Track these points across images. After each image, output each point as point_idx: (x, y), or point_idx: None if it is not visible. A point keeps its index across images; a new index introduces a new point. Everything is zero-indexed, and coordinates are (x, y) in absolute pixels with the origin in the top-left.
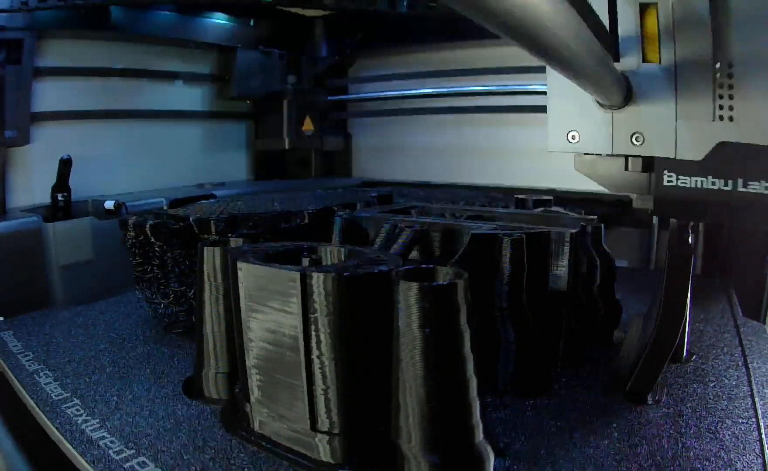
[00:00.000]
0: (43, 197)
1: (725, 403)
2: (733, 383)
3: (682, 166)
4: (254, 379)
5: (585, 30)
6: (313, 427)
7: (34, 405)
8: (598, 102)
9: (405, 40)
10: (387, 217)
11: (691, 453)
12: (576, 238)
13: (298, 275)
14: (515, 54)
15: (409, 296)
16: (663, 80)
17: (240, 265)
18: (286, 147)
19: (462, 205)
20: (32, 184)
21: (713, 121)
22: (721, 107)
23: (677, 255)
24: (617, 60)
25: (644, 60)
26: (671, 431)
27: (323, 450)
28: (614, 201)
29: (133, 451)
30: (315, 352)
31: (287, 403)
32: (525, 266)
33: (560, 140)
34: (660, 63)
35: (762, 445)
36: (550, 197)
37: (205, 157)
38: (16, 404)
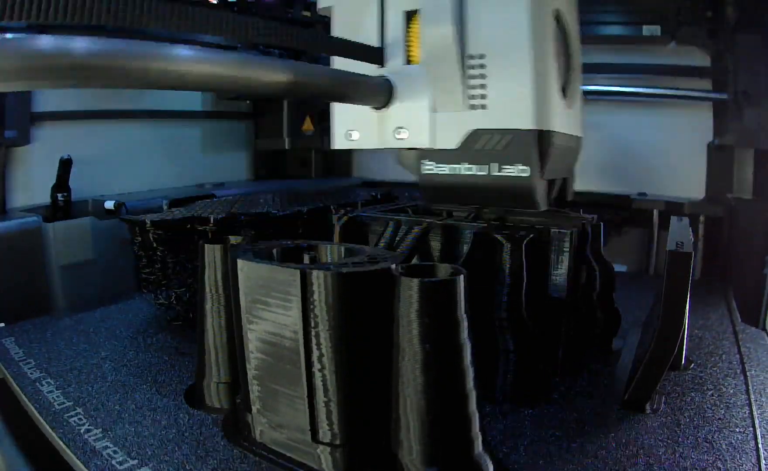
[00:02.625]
0: (43, 197)
1: (722, 412)
2: (731, 392)
3: (439, 155)
4: (255, 388)
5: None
6: (315, 438)
7: (37, 414)
8: None
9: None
10: (388, 216)
11: (688, 463)
12: (576, 236)
13: (298, 273)
14: None
15: (410, 292)
16: (421, 78)
17: (240, 263)
18: (286, 147)
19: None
20: (32, 184)
21: (466, 110)
22: (473, 97)
23: (677, 253)
24: (383, 65)
25: (408, 62)
26: (668, 441)
27: (325, 461)
28: (614, 201)
29: (136, 461)
30: (315, 352)
31: (288, 411)
32: (528, 263)
33: (342, 138)
34: (419, 62)
35: (758, 454)
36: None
37: (205, 157)
38: (19, 412)
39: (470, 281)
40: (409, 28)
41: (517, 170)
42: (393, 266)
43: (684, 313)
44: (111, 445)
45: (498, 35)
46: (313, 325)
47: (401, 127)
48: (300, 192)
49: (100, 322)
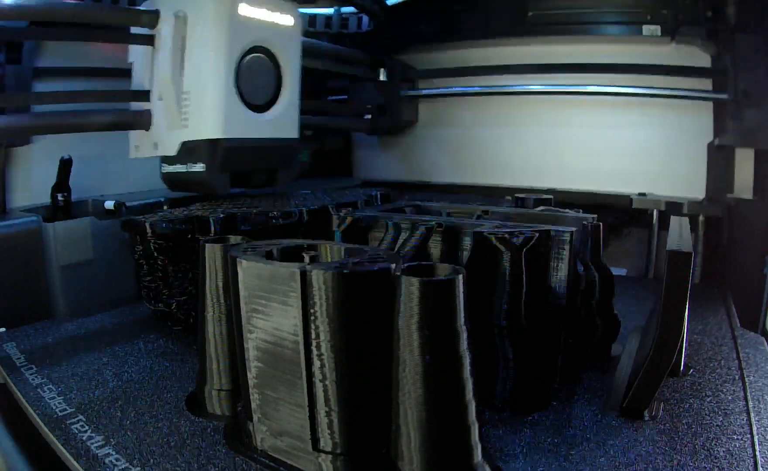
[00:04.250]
0: (43, 197)
1: (721, 418)
2: (729, 398)
3: (169, 159)
4: (255, 395)
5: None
6: (316, 446)
7: (39, 421)
8: None
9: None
10: (389, 216)
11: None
12: (576, 236)
13: (298, 272)
14: (513, 54)
15: (410, 291)
16: (160, 108)
17: (240, 262)
18: None
19: (460, 204)
20: (32, 184)
21: (180, 128)
22: (183, 119)
23: (677, 254)
24: (149, 101)
25: (160, 98)
26: (666, 448)
27: (326, 470)
28: (614, 202)
29: (138, 468)
30: (315, 355)
31: (289, 419)
32: (527, 268)
33: (133, 150)
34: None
35: (756, 462)
36: (550, 196)
37: None
38: (21, 418)
39: (470, 288)
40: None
41: (198, 167)
42: (393, 266)
43: (683, 318)
44: (113, 453)
45: (199, 78)
46: (313, 325)
47: (156, 143)
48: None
49: (101, 326)
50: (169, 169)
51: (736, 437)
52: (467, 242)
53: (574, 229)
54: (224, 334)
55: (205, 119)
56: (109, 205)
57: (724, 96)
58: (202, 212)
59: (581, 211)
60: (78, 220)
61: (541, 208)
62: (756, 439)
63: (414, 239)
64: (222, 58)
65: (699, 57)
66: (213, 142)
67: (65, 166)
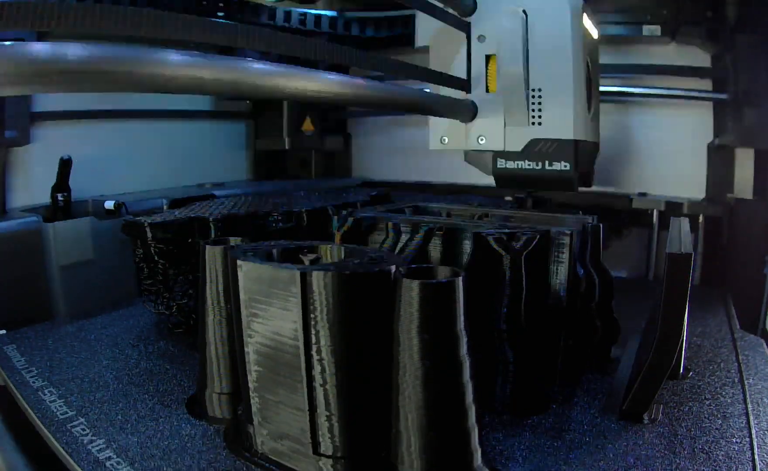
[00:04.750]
0: (43, 197)
1: (720, 422)
2: (728, 401)
3: (508, 155)
4: (256, 398)
5: (438, 97)
6: (316, 450)
7: (41, 424)
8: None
9: (403, 40)
10: (391, 216)
11: None
12: (576, 237)
13: (298, 274)
14: None
15: (410, 293)
16: (497, 102)
17: (240, 264)
18: (286, 147)
19: (460, 205)
20: (32, 184)
21: (527, 125)
22: (532, 116)
23: (677, 256)
24: (469, 92)
25: (486, 91)
26: (666, 451)
27: None
28: (614, 201)
29: None
30: (315, 357)
31: (289, 422)
32: (527, 271)
33: (436, 142)
34: (495, 91)
35: (754, 465)
36: (550, 197)
37: (205, 157)
38: (22, 421)
39: (470, 291)
40: (488, 67)
41: (560, 166)
42: (393, 268)
43: (683, 321)
44: (114, 456)
45: (550, 76)
46: (313, 327)
47: (482, 136)
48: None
49: (101, 329)
50: (507, 164)
51: (735, 440)
52: (467, 245)
53: (574, 229)
54: (225, 338)
55: (564, 119)
56: (109, 205)
57: (724, 96)
58: (202, 213)
59: (581, 212)
60: (78, 220)
61: (542, 208)
62: (755, 443)
63: (414, 242)
64: (580, 60)
65: (699, 57)
66: (574, 143)
67: (65, 166)
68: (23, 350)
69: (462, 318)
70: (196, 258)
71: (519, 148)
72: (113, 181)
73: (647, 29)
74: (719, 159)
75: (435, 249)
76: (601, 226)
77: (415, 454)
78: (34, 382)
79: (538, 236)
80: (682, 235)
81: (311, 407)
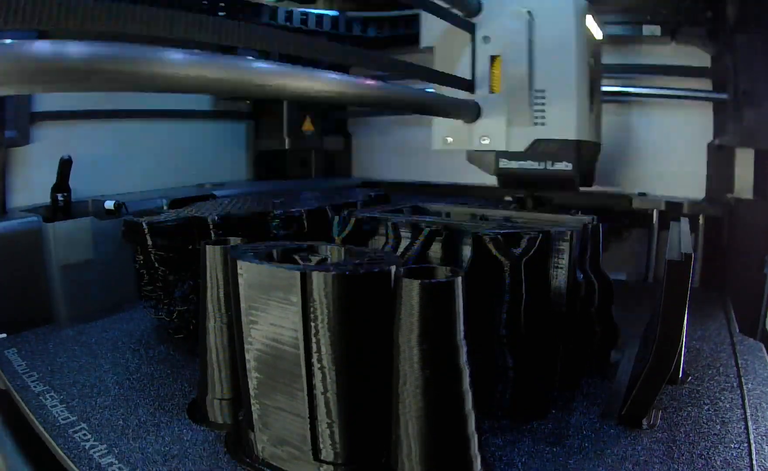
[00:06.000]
0: (43, 197)
1: (718, 427)
2: (727, 406)
3: (512, 155)
4: (256, 404)
5: (442, 98)
6: (316, 456)
7: (42, 429)
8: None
9: (405, 40)
10: (391, 217)
11: None
12: (576, 236)
13: (298, 274)
14: None
15: (411, 293)
16: (500, 103)
17: (240, 264)
18: (286, 147)
19: (460, 205)
20: (32, 184)
21: (531, 126)
22: (536, 117)
23: (676, 263)
24: (473, 92)
25: (490, 91)
26: (664, 457)
27: None
28: (614, 201)
29: None
30: (315, 360)
31: (289, 428)
32: (527, 274)
33: (439, 142)
34: (499, 92)
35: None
36: (550, 197)
37: (205, 157)
38: (23, 425)
39: (470, 296)
40: (492, 68)
41: (563, 165)
42: (394, 268)
43: (682, 327)
44: (116, 462)
45: (554, 76)
46: (313, 329)
47: (485, 136)
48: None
49: (101, 332)
50: (510, 164)
51: (733, 446)
52: (468, 247)
53: (574, 229)
54: (225, 344)
55: (567, 119)
56: (109, 205)
57: (724, 96)
58: (201, 214)
59: (580, 212)
60: (78, 220)
61: (542, 208)
62: (753, 448)
63: (416, 245)
64: (584, 61)
65: (699, 57)
66: (577, 143)
67: (65, 166)
68: (24, 354)
69: (462, 318)
70: (197, 264)
71: (522, 148)
72: (113, 181)
73: (647, 29)
74: (719, 159)
75: (435, 250)
76: (601, 226)
77: (415, 460)
78: (35, 387)
79: (539, 239)
80: (681, 238)
81: (312, 413)
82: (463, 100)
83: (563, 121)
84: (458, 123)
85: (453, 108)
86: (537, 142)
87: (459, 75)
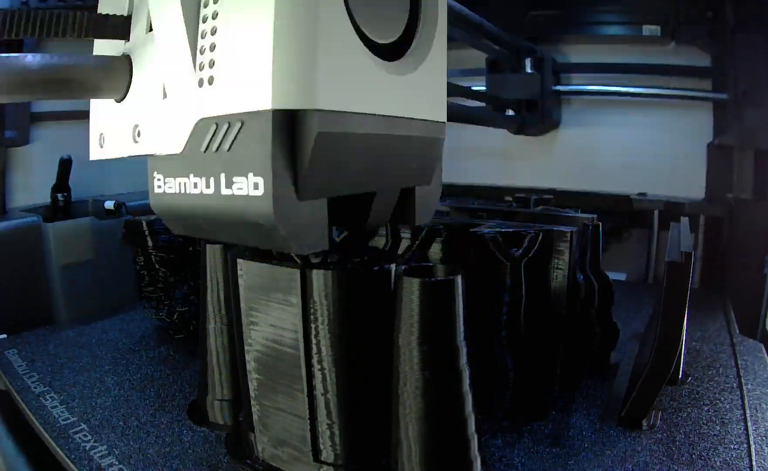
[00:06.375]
0: (43, 197)
1: (718, 428)
2: (727, 407)
3: (167, 164)
4: (256, 406)
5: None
6: (317, 457)
7: (43, 430)
8: None
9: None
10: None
11: None
12: (576, 236)
13: (297, 273)
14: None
15: (411, 292)
16: (156, 48)
17: (240, 262)
18: None
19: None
20: (32, 184)
21: (195, 89)
22: (201, 66)
23: (676, 265)
24: (128, 40)
25: (150, 29)
26: (664, 458)
27: None
28: (614, 202)
29: None
30: (315, 360)
31: (289, 429)
32: (527, 276)
33: (96, 146)
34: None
35: None
36: (550, 196)
37: None
38: (24, 426)
39: (470, 297)
40: None
41: (248, 185)
42: (394, 267)
43: (682, 328)
44: (117, 463)
45: None
46: (313, 328)
47: (137, 125)
48: None
49: (101, 333)
50: (167, 188)
51: (733, 447)
52: (468, 247)
53: (574, 228)
54: (226, 345)
55: (261, 60)
56: (109, 205)
57: (724, 96)
58: None
59: (579, 211)
60: (78, 220)
61: (541, 208)
62: (753, 449)
63: (416, 245)
64: None
65: (699, 57)
66: (296, 118)
67: (65, 166)
68: (24, 355)
69: (462, 318)
70: (198, 266)
71: (180, 146)
72: (113, 181)
73: (647, 29)
74: (719, 159)
75: (435, 251)
76: (600, 225)
77: (415, 462)
78: (35, 388)
79: (539, 239)
80: (681, 239)
81: (312, 415)
82: (94, 57)
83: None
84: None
85: (94, 75)
86: (201, 126)
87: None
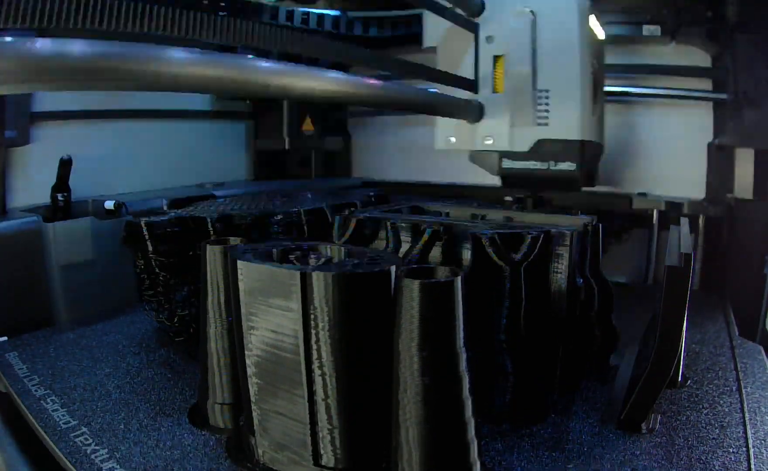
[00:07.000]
0: (43, 197)
1: (717, 431)
2: (726, 410)
3: (515, 155)
4: (257, 410)
5: (445, 98)
6: (317, 461)
7: (43, 433)
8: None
9: (406, 40)
10: (391, 217)
11: None
12: (576, 236)
13: (297, 274)
14: None
15: (411, 293)
16: (504, 103)
17: (240, 264)
18: (286, 147)
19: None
20: (32, 184)
21: (534, 126)
22: (539, 117)
23: (676, 269)
24: (476, 92)
25: (494, 91)
26: (663, 461)
27: None
28: (614, 202)
29: None
30: (316, 364)
31: (290, 433)
32: (526, 279)
33: (442, 142)
34: (502, 92)
35: None
36: (550, 197)
37: (205, 157)
38: (24, 429)
39: (469, 300)
40: (495, 68)
41: (566, 165)
42: (394, 268)
43: (681, 331)
44: (117, 467)
45: (558, 78)
46: (313, 331)
47: (488, 136)
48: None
49: (102, 336)
50: (514, 164)
51: (732, 450)
52: (468, 248)
53: (573, 230)
54: (226, 348)
55: (571, 119)
56: (109, 205)
57: (724, 96)
58: (201, 215)
59: (579, 212)
60: (78, 220)
61: (541, 208)
62: (752, 453)
63: (417, 246)
64: (587, 61)
65: (699, 57)
66: (581, 143)
67: (65, 166)
68: (25, 357)
69: (462, 320)
70: (198, 268)
71: (526, 148)
72: (113, 181)
73: (647, 29)
74: (719, 159)
75: (435, 252)
76: (600, 226)
77: (416, 466)
78: (36, 391)
79: (539, 241)
80: (681, 241)
81: (312, 418)
82: (466, 100)
83: (567, 122)
84: (461, 123)
85: (456, 108)
86: (540, 142)
87: (462, 75)
